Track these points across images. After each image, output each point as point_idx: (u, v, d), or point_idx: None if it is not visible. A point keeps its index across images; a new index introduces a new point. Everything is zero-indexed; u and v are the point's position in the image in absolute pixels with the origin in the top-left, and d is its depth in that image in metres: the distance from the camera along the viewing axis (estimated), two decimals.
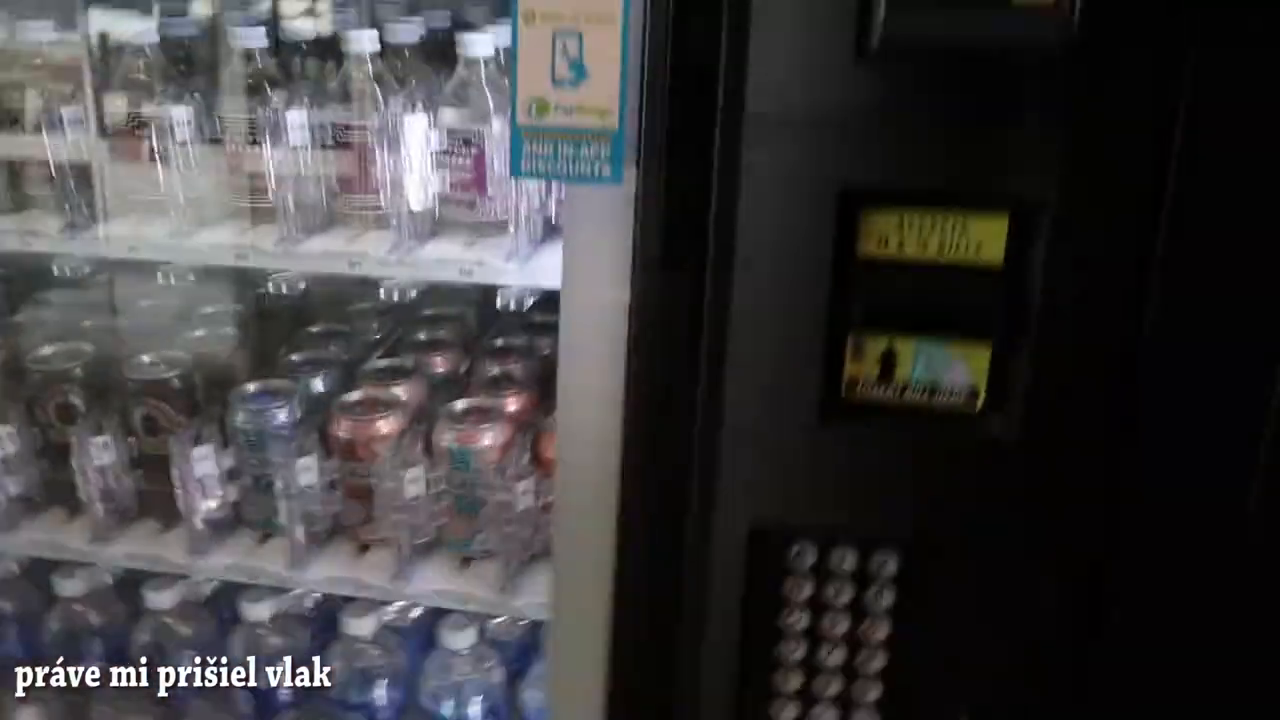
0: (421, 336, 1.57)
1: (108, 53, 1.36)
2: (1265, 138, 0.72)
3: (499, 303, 1.21)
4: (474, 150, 1.21)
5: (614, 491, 0.97)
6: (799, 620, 0.90)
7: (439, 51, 1.32)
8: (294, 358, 1.49)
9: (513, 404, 1.38)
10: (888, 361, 0.85)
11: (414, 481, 1.28)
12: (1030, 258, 0.79)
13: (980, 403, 0.84)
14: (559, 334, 0.97)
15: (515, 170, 0.91)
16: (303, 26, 1.40)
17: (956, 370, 0.84)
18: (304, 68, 1.33)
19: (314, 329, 1.60)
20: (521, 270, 1.19)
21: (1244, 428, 0.79)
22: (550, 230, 1.25)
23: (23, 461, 1.39)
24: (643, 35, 0.85)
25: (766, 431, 0.85)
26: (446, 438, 1.30)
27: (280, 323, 1.60)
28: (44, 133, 1.28)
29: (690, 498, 0.91)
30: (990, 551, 0.86)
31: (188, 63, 1.34)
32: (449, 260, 1.22)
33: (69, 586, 1.44)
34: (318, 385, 1.44)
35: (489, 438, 1.30)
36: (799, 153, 0.81)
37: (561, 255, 0.96)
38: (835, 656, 0.90)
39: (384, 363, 1.48)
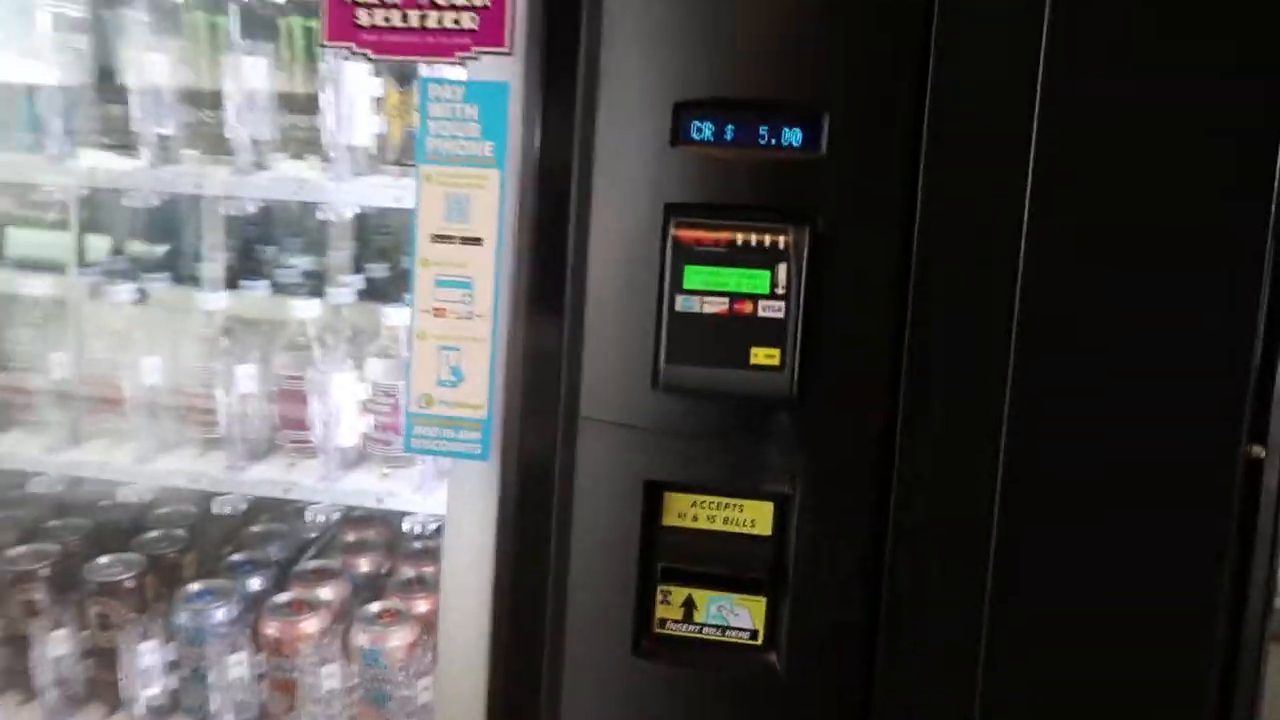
0: (350, 538, 1.80)
1: None
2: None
3: (404, 526, 1.45)
4: (393, 400, 1.48)
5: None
6: None
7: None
8: (235, 557, 1.71)
9: (422, 605, 1.60)
10: (689, 606, 1.09)
11: (330, 677, 1.48)
12: (788, 532, 1.05)
13: (761, 639, 1.08)
14: (441, 574, 1.21)
15: (407, 447, 1.17)
16: None
17: (741, 615, 1.09)
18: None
19: (255, 529, 1.82)
20: (426, 501, 1.44)
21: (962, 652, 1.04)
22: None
23: None
24: (506, 349, 1.13)
25: (592, 661, 1.09)
26: (361, 638, 1.51)
27: (227, 523, 1.83)
28: None
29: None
30: None
31: None
32: (366, 491, 1.47)
33: None
34: (254, 584, 1.66)
35: (398, 638, 1.52)
36: (616, 448, 1.07)
37: (445, 525, 1.21)
38: None
39: (314, 564, 1.70)
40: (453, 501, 1.19)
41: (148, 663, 1.53)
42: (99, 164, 1.50)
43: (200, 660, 1.54)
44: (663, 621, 1.10)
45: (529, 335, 1.12)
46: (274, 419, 1.53)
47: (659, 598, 1.09)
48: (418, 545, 1.77)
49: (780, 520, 1.06)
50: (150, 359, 1.50)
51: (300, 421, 1.50)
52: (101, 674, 1.58)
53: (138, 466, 1.51)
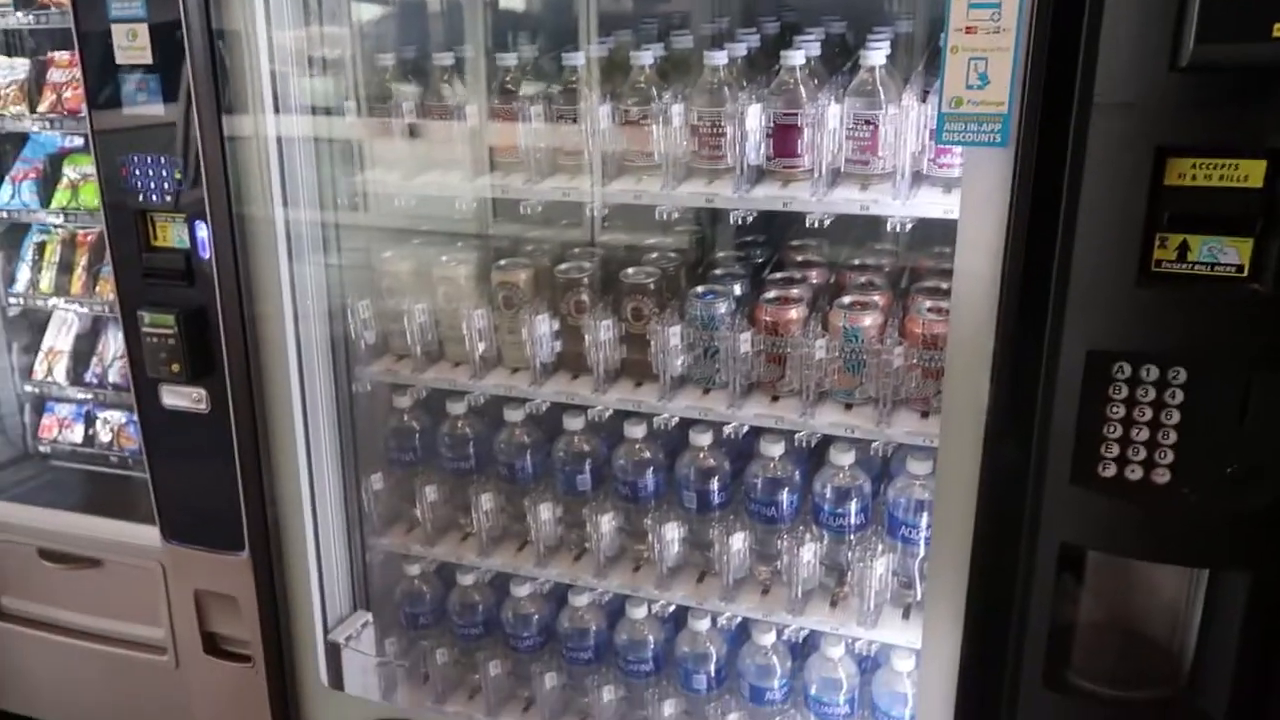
0: (798, 259, 2.23)
1: None
2: None
3: (887, 227, 1.82)
4: (871, 127, 1.82)
5: (990, 342, 1.57)
6: (1118, 411, 1.47)
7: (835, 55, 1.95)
8: (717, 272, 2.18)
9: (880, 299, 2.00)
10: (1183, 249, 1.40)
11: (820, 348, 1.92)
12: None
13: (1247, 271, 1.38)
14: (958, 243, 1.57)
15: (939, 139, 1.52)
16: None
17: (1230, 253, 1.38)
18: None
19: (720, 254, 2.28)
20: (904, 205, 1.80)
21: None
22: (919, 179, 1.84)
23: (552, 336, 2.14)
24: (1026, 57, 1.43)
25: (1099, 291, 1.43)
26: (840, 319, 1.94)
27: (693, 251, 2.29)
28: None
29: (1044, 336, 1.50)
30: (1246, 368, 1.40)
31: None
32: (854, 199, 1.84)
33: (574, 423, 2.19)
34: (738, 289, 2.11)
35: (869, 319, 1.93)
36: (1128, 124, 1.37)
37: (960, 194, 1.55)
38: (1141, 435, 1.47)
39: (780, 275, 2.13)
40: (972, 178, 1.53)
41: (674, 342, 2.02)
42: None
43: (711, 341, 2.02)
44: (1159, 262, 1.42)
45: (1040, 36, 1.41)
46: (769, 150, 1.92)
47: (1157, 243, 1.41)
48: (856, 261, 2.17)
49: (1273, 174, 1.33)
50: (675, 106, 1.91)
51: (792, 149, 1.88)
52: (633, 355, 2.11)
53: (664, 192, 1.96)
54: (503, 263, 2.22)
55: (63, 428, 3.08)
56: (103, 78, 2.12)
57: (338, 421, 2.33)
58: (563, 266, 2.17)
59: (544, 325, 2.12)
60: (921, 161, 1.82)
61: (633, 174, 2.02)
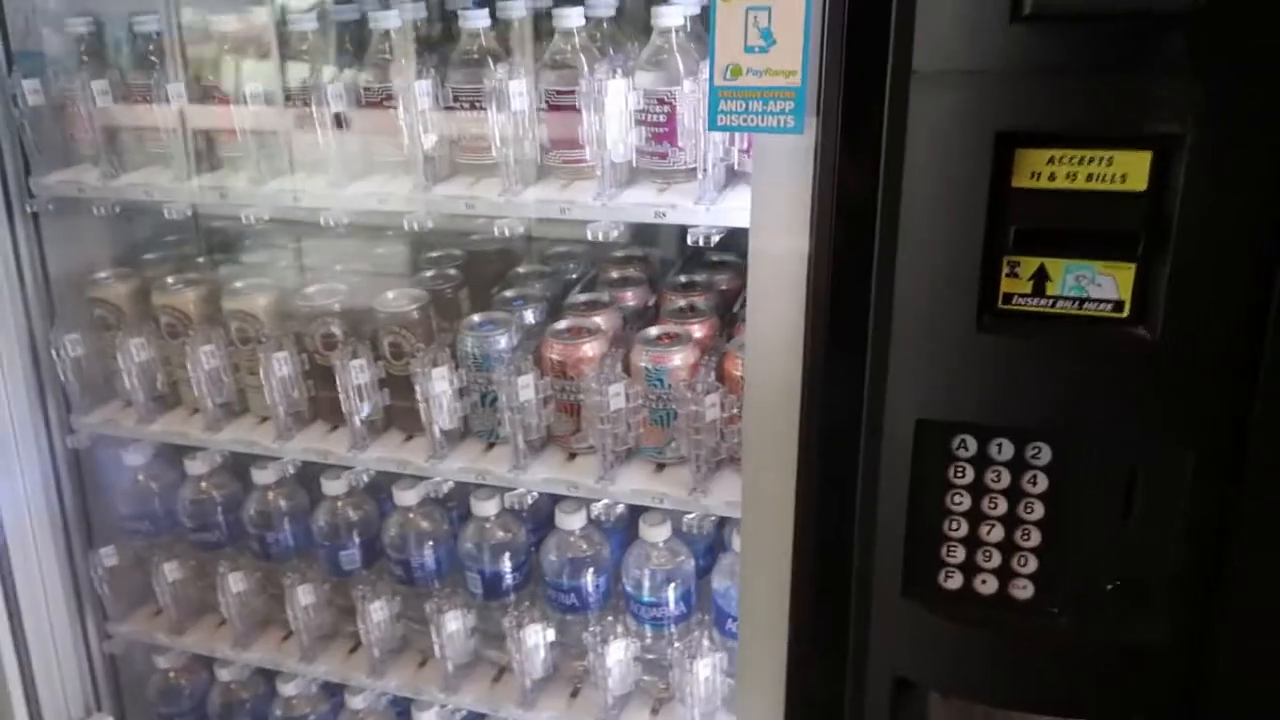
0: (614, 275, 1.78)
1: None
2: None
3: (689, 240, 1.39)
4: (667, 108, 1.39)
5: (796, 398, 1.15)
6: (962, 502, 1.05)
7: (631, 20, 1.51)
8: (507, 294, 1.73)
9: (698, 330, 1.57)
10: (1040, 278, 0.98)
11: (616, 396, 1.49)
12: (1170, 185, 0.91)
13: (1128, 311, 0.96)
14: (749, 266, 1.15)
15: (712, 125, 1.08)
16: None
17: (1104, 284, 0.97)
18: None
19: (521, 269, 1.84)
20: (709, 212, 1.37)
21: None
22: (732, 176, 1.41)
23: (298, 379, 1.69)
24: (823, 5, 1.00)
25: (929, 339, 1.01)
26: (643, 358, 1.50)
27: (490, 265, 1.85)
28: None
29: (863, 399, 1.07)
30: (1132, 443, 0.99)
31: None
32: (646, 204, 1.41)
33: (333, 487, 1.74)
34: (529, 317, 1.67)
35: (679, 358, 1.50)
36: (958, 102, 0.94)
37: (750, 198, 1.12)
38: (994, 534, 1.05)
39: (584, 297, 1.69)
40: (759, 182, 1.11)
41: (440, 389, 1.58)
42: None
43: (488, 385, 1.59)
44: (1008, 296, 0.99)
45: None
46: (543, 141, 1.48)
47: (1005, 270, 0.99)
48: (682, 279, 1.73)
49: (1159, 171, 0.91)
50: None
51: (572, 138, 1.44)
52: (396, 401, 1.66)
53: (417, 195, 1.51)
54: (238, 285, 1.76)
55: None
56: None
57: (54, 484, 1.87)
58: (309, 290, 1.72)
59: (283, 365, 1.67)
60: (733, 154, 1.39)
61: (383, 172, 1.58)
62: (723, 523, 1.60)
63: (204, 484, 1.86)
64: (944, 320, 1.01)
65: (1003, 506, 1.05)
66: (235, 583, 1.82)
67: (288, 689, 1.88)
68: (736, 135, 1.37)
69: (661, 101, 1.39)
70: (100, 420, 1.84)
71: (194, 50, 1.67)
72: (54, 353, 1.79)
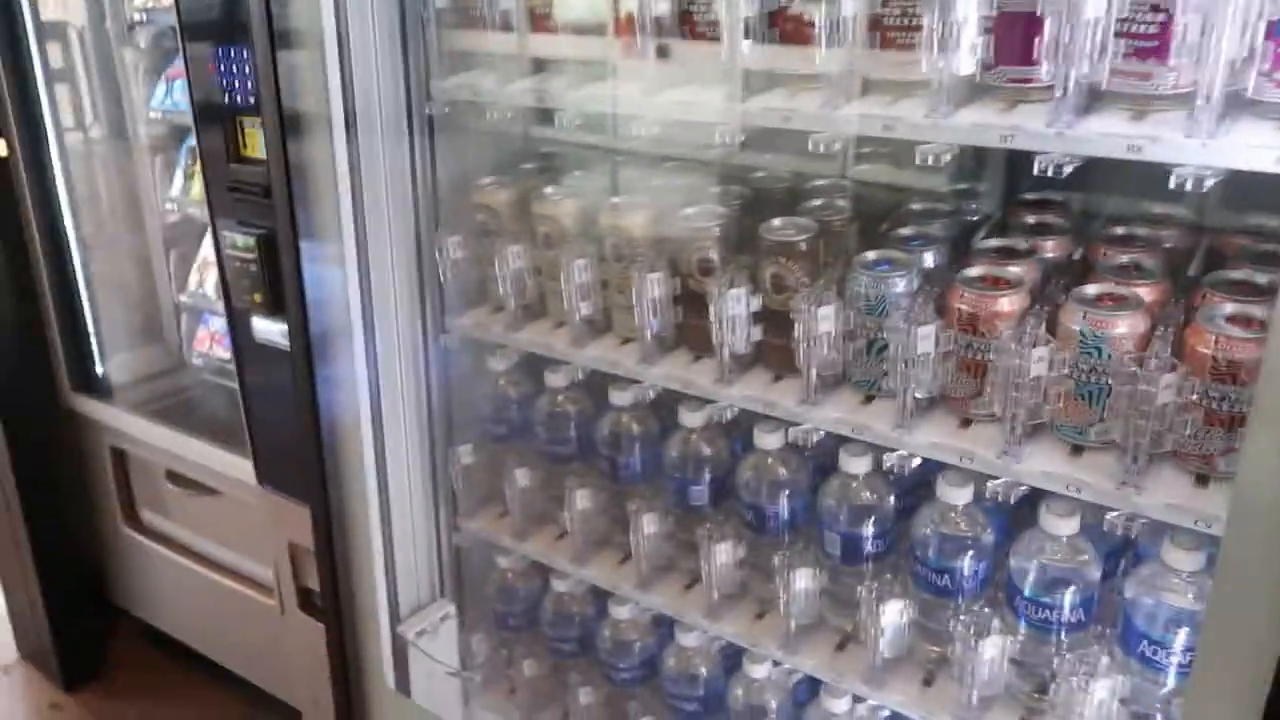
0: (1028, 219, 1.54)
1: None
2: None
3: (1171, 183, 1.12)
4: (1161, 16, 1.12)
5: None
6: None
7: None
8: (902, 231, 1.54)
9: (1146, 293, 1.30)
10: None
11: (1039, 361, 1.27)
12: None
13: None
14: None
15: None
16: None
17: None
18: None
19: (915, 207, 1.63)
20: (1205, 148, 1.10)
21: None
22: (1235, 106, 1.12)
23: (669, 303, 1.61)
24: None
25: None
26: (1077, 320, 1.27)
27: (884, 200, 1.66)
28: None
29: None
30: None
31: None
32: (1114, 135, 1.16)
33: (691, 419, 1.66)
34: (928, 260, 1.48)
35: (1125, 325, 1.25)
36: None
37: None
38: None
39: (995, 242, 1.47)
40: None
41: (825, 329, 1.43)
42: None
43: (878, 331, 1.42)
44: None
45: None
46: (986, 54, 1.26)
47: None
48: (1119, 230, 1.46)
49: None
50: None
51: (1024, 52, 1.21)
52: (770, 338, 1.54)
53: (826, 113, 1.35)
54: (615, 201, 1.69)
55: (214, 342, 2.94)
56: None
57: (423, 378, 1.94)
58: (689, 211, 1.62)
59: (656, 288, 1.59)
60: (1245, 76, 1.10)
61: (789, 88, 1.43)
62: (1134, 535, 1.33)
63: (561, 397, 1.85)
64: None
65: None
66: (581, 499, 1.80)
67: (620, 611, 1.86)
68: (1258, 50, 1.07)
69: (1156, 8, 1.12)
70: (472, 323, 1.87)
71: None
72: (436, 253, 1.83)
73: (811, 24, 1.35)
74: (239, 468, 2.29)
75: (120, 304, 2.92)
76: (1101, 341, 1.25)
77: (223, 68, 1.88)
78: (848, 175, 1.69)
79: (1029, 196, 1.59)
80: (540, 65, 1.67)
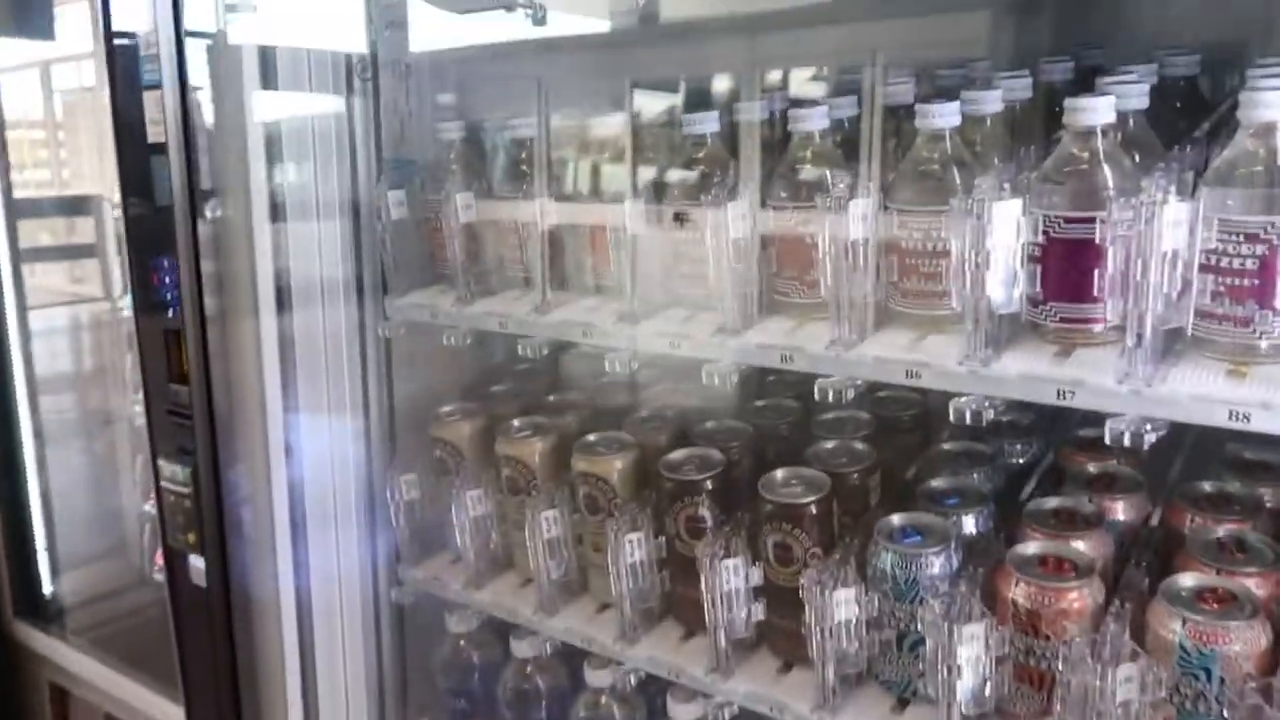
0: (1089, 469, 1.25)
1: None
2: None
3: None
4: (1263, 247, 0.87)
5: None
6: None
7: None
8: (934, 485, 1.25)
9: (1258, 586, 1.00)
10: None
11: (1127, 682, 0.95)
12: None
13: None
14: None
15: None
16: None
17: None
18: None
19: (948, 448, 1.35)
20: None
21: None
22: None
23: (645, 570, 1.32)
24: None
25: None
26: (1173, 626, 0.96)
27: (907, 440, 1.39)
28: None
29: None
30: None
31: None
32: (1211, 399, 0.89)
33: (681, 712, 1.34)
34: (968, 525, 1.19)
35: (1241, 636, 0.94)
36: None
37: None
38: None
39: (1053, 503, 1.18)
40: None
41: (841, 615, 1.13)
42: None
43: (909, 621, 1.12)
44: None
45: None
46: (1034, 288, 1.01)
47: None
48: (1206, 487, 1.17)
49: None
50: None
51: (1081, 288, 0.97)
52: (774, 617, 1.24)
53: (832, 355, 1.10)
54: (590, 439, 1.43)
55: None
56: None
57: (372, 640, 1.65)
58: (675, 457, 1.35)
59: (636, 550, 1.30)
60: None
61: (791, 316, 1.19)
62: None
63: (529, 668, 1.54)
64: None
65: None
66: None
67: None
68: None
69: (1251, 236, 0.88)
70: (427, 576, 1.59)
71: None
72: (388, 494, 1.57)
73: (815, 245, 1.13)
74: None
75: (79, 513, 2.69)
76: (1210, 661, 0.94)
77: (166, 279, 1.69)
78: (864, 408, 1.42)
79: (1084, 434, 1.30)
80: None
